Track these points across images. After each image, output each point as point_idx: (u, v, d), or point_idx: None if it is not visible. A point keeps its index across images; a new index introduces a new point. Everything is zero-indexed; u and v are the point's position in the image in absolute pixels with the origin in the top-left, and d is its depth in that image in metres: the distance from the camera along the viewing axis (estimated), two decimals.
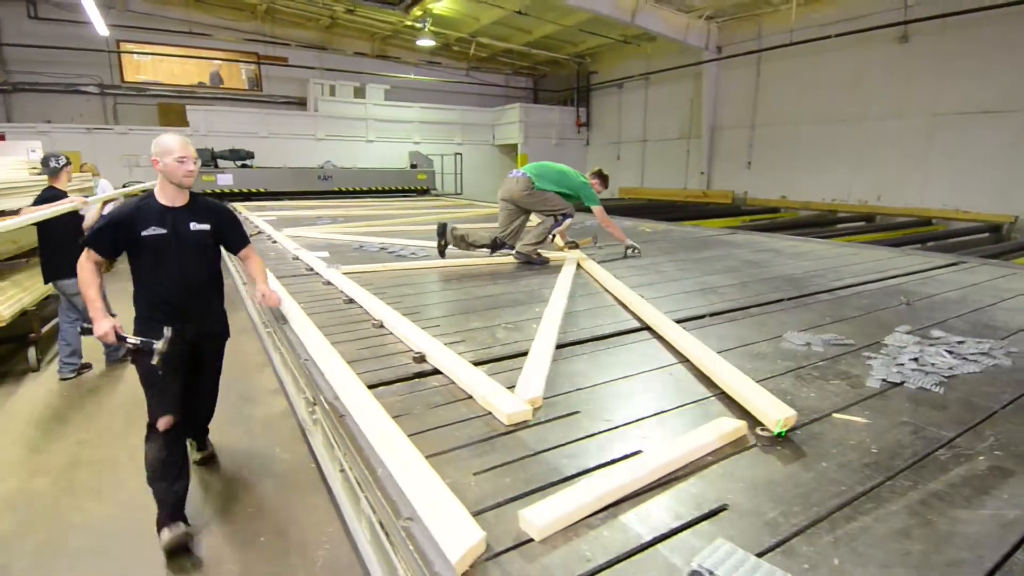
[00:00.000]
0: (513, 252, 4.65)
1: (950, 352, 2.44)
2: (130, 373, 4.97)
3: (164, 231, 2.57)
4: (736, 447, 1.66)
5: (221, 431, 3.53)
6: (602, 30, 14.78)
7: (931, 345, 2.55)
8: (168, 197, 2.61)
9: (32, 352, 4.94)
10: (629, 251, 5.01)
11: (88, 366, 4.98)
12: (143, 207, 2.58)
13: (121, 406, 4.35)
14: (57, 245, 4.62)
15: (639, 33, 14.15)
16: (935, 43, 9.96)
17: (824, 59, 11.63)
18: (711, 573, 1.12)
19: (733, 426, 1.70)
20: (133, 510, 2.98)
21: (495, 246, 4.65)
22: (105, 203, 5.71)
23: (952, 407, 1.95)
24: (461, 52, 17.28)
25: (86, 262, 2.54)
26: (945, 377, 2.20)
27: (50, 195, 4.60)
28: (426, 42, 15.44)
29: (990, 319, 3.07)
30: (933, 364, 2.31)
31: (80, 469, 3.43)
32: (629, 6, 12.03)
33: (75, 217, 4.70)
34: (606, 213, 4.95)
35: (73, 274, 4.79)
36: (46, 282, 4.78)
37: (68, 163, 4.76)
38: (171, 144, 2.53)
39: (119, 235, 2.53)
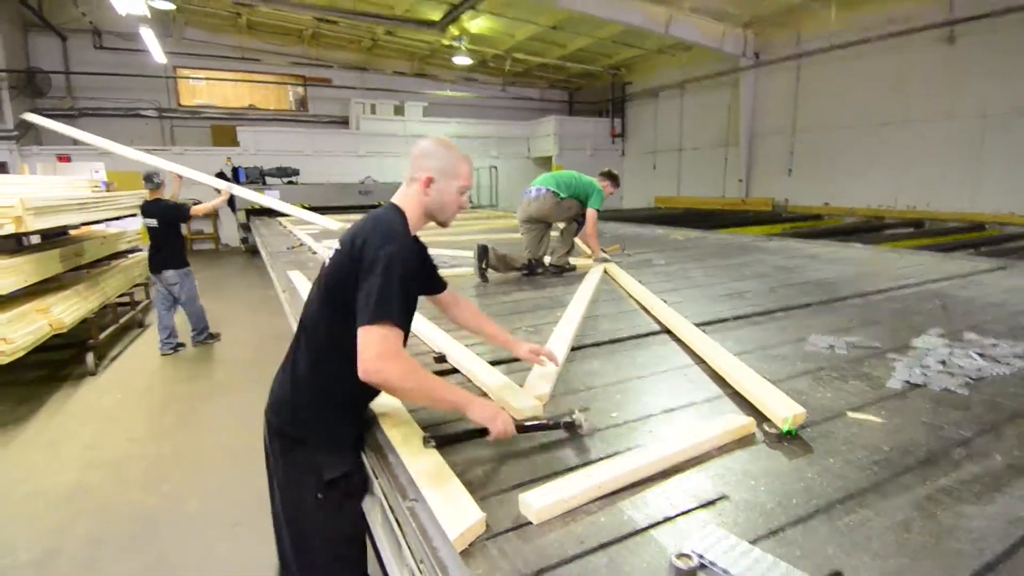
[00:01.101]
0: (548, 266, 4.61)
1: (980, 354, 2.37)
2: (178, 373, 5.27)
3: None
4: (742, 443, 1.66)
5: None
6: (636, 41, 14.81)
7: (961, 348, 2.48)
8: (414, 230, 1.70)
9: (90, 357, 5.29)
10: (598, 261, 4.79)
11: (183, 344, 5.92)
12: (410, 243, 1.65)
13: (168, 406, 4.61)
14: (162, 242, 5.63)
15: (674, 43, 14.10)
16: (984, 42, 9.59)
17: (866, 62, 11.33)
18: (700, 556, 1.15)
19: (740, 423, 1.71)
20: (175, 502, 3.18)
21: (532, 268, 4.54)
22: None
23: (975, 408, 1.90)
24: (497, 68, 17.60)
25: (402, 357, 1.44)
26: (972, 379, 2.14)
27: (165, 206, 5.62)
28: (463, 60, 15.82)
29: None
30: (960, 366, 2.25)
31: (130, 464, 3.67)
32: (663, 17, 12.03)
33: (173, 218, 5.71)
34: (596, 221, 4.74)
35: (173, 266, 5.61)
36: (153, 273, 5.77)
37: (164, 179, 5.80)
38: (462, 165, 1.68)
39: (410, 294, 1.63)
